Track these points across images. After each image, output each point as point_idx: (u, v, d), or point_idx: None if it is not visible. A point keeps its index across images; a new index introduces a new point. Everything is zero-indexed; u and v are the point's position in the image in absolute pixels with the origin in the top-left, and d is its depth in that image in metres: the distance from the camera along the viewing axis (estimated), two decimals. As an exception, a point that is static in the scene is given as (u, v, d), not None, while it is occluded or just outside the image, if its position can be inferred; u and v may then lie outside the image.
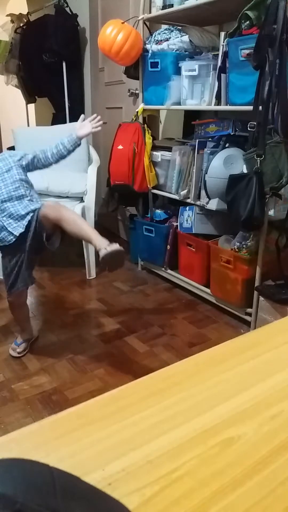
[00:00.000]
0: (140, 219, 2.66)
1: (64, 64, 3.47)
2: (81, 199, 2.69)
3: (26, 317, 1.94)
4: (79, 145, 1.83)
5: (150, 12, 2.38)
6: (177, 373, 0.56)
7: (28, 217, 1.61)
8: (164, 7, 2.26)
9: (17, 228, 1.61)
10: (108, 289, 2.56)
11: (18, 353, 1.88)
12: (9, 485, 0.30)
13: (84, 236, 1.57)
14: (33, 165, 1.79)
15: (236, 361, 0.58)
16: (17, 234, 1.60)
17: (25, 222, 1.61)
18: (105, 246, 1.47)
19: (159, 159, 2.46)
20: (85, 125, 1.85)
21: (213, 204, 2.04)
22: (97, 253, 1.53)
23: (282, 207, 1.84)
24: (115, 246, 1.49)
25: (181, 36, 2.24)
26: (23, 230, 1.60)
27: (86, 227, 1.56)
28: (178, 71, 2.19)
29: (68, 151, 1.81)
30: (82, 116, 1.91)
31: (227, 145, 2.06)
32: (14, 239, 1.61)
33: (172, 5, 2.20)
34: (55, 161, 1.81)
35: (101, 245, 1.51)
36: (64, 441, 0.44)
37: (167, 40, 2.28)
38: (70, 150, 1.81)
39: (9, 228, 1.61)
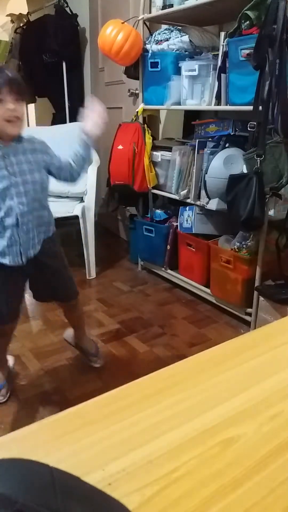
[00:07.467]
0: (140, 219, 2.66)
1: (64, 64, 3.47)
2: (81, 199, 2.69)
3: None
4: (88, 145, 1.44)
5: (150, 12, 2.38)
6: (177, 373, 0.56)
7: None
8: (164, 7, 2.26)
9: None
10: (108, 289, 2.55)
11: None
12: (9, 485, 0.30)
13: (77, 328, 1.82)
14: None
15: (236, 361, 0.58)
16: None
17: None
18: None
19: (159, 159, 2.46)
20: (88, 117, 1.42)
21: (213, 204, 2.04)
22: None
23: (282, 207, 1.84)
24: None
25: (181, 36, 2.24)
26: None
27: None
28: (178, 71, 2.19)
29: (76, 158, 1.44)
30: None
31: (227, 145, 2.06)
32: None
33: (172, 5, 2.20)
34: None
35: (87, 347, 1.81)
36: (64, 441, 0.44)
37: (167, 40, 2.28)
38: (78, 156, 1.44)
39: None
